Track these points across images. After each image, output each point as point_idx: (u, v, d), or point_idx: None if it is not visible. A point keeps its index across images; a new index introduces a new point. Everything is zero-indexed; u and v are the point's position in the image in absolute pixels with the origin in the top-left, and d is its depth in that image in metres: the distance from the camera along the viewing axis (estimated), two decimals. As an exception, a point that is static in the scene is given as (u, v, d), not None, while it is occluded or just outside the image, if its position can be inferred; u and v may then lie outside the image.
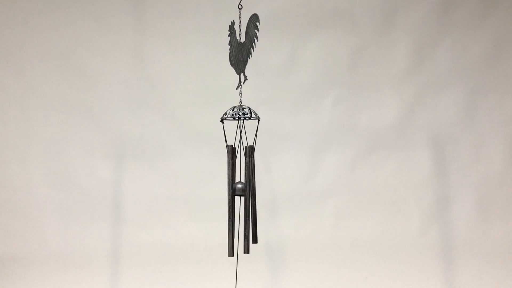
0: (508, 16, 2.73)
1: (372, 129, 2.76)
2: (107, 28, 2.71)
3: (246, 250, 1.54)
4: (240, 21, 1.60)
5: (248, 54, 1.58)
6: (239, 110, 1.55)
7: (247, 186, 1.56)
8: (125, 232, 2.68)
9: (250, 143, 1.60)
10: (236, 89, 1.61)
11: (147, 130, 2.73)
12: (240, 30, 1.60)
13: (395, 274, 2.62)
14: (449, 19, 2.74)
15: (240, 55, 1.58)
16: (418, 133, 2.76)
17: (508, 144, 2.75)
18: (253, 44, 1.57)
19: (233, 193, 1.56)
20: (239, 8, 1.59)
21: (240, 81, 1.60)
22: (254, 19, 1.58)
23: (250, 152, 1.57)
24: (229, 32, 1.59)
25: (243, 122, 1.59)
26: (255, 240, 1.63)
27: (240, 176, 1.62)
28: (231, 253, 1.56)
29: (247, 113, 1.53)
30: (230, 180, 1.58)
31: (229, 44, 1.60)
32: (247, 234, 1.54)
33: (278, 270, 2.63)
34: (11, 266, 2.59)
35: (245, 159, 1.57)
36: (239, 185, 1.58)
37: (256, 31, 1.57)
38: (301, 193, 2.75)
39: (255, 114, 1.56)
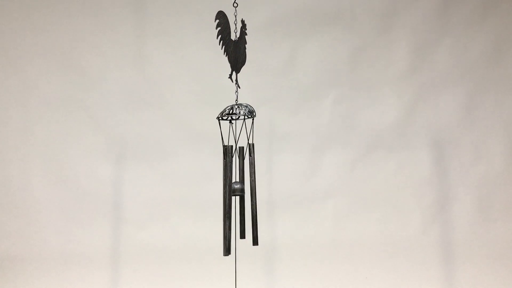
0: (508, 16, 2.73)
1: (372, 129, 2.76)
2: (107, 28, 2.71)
3: (226, 252, 1.53)
4: (235, 19, 1.60)
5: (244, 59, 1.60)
6: (233, 110, 1.54)
7: (226, 187, 1.56)
8: (125, 232, 2.67)
9: (250, 142, 1.60)
10: (228, 77, 1.61)
11: (147, 130, 2.73)
12: (236, 27, 1.60)
13: (395, 274, 2.62)
14: (449, 19, 2.74)
15: (237, 53, 1.59)
16: (418, 133, 2.76)
17: (508, 144, 2.75)
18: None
19: (231, 193, 1.56)
20: (235, 7, 1.59)
21: (232, 79, 1.61)
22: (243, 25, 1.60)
23: (229, 152, 1.57)
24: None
25: (249, 122, 1.58)
26: (255, 242, 1.62)
27: (236, 175, 1.62)
28: (225, 253, 1.55)
29: (238, 113, 1.53)
30: (226, 180, 1.58)
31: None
32: (226, 235, 1.53)
33: (278, 270, 2.63)
34: (11, 266, 2.59)
35: (239, 158, 1.57)
36: (237, 185, 1.57)
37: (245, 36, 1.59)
38: (301, 193, 2.75)
39: (250, 112, 1.55)
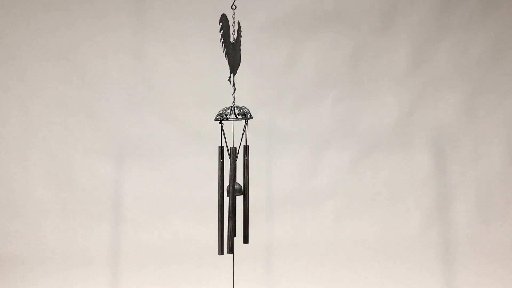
0: (508, 16, 2.73)
1: (372, 129, 2.76)
2: (107, 28, 2.71)
3: (229, 250, 1.55)
4: (233, 21, 1.60)
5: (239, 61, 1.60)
6: (230, 110, 1.55)
7: (231, 186, 1.57)
8: (125, 232, 2.68)
9: (248, 143, 1.61)
10: (228, 80, 1.61)
11: (147, 130, 2.73)
12: (234, 30, 1.60)
13: (395, 274, 2.62)
14: (449, 19, 2.74)
15: (234, 55, 1.59)
16: (418, 133, 2.76)
17: (508, 144, 2.75)
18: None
19: (228, 194, 1.57)
20: (233, 9, 1.59)
21: (230, 81, 1.61)
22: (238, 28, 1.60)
23: (233, 153, 1.57)
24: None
25: (245, 122, 1.59)
26: (246, 241, 1.64)
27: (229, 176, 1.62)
28: (220, 252, 1.57)
29: (230, 114, 1.53)
30: (220, 181, 1.59)
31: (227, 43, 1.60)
32: (229, 234, 1.55)
33: (277, 270, 2.63)
34: (11, 266, 2.60)
35: (230, 159, 1.58)
36: (236, 186, 1.58)
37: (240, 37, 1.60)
38: (301, 193, 2.75)
39: (245, 113, 1.56)
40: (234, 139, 1.59)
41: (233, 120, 1.56)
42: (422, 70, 2.76)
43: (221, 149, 1.59)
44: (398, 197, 2.75)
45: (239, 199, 1.65)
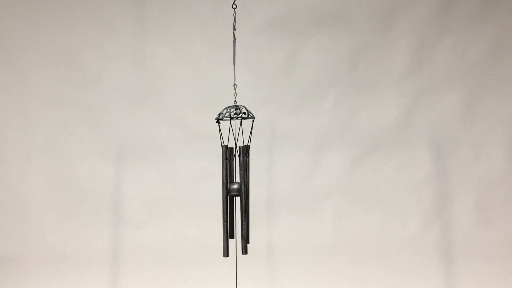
0: (508, 16, 2.73)
1: (372, 129, 2.76)
2: (108, 28, 2.71)
3: (244, 251, 1.53)
4: (234, 21, 1.60)
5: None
6: (233, 110, 1.55)
7: (241, 186, 1.56)
8: (125, 232, 2.68)
9: (248, 143, 1.61)
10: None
11: (147, 130, 2.73)
12: (234, 29, 1.60)
13: (395, 274, 2.62)
14: (449, 19, 2.74)
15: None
16: (418, 133, 2.76)
17: (508, 144, 2.75)
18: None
19: (227, 193, 1.56)
20: (234, 8, 1.59)
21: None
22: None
23: (243, 152, 1.57)
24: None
25: (240, 122, 1.59)
26: (247, 240, 1.63)
27: (234, 176, 1.62)
28: (225, 254, 1.55)
29: (239, 113, 1.53)
30: (225, 181, 1.58)
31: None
32: (244, 234, 1.54)
33: (278, 270, 2.63)
34: (11, 266, 2.60)
35: (239, 158, 1.57)
36: (235, 186, 1.58)
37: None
38: (301, 193, 2.75)
39: (249, 113, 1.56)
40: (235, 139, 1.59)
41: (236, 119, 1.56)
42: (422, 70, 2.76)
43: (226, 148, 1.58)
44: (398, 197, 2.75)
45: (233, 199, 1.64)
